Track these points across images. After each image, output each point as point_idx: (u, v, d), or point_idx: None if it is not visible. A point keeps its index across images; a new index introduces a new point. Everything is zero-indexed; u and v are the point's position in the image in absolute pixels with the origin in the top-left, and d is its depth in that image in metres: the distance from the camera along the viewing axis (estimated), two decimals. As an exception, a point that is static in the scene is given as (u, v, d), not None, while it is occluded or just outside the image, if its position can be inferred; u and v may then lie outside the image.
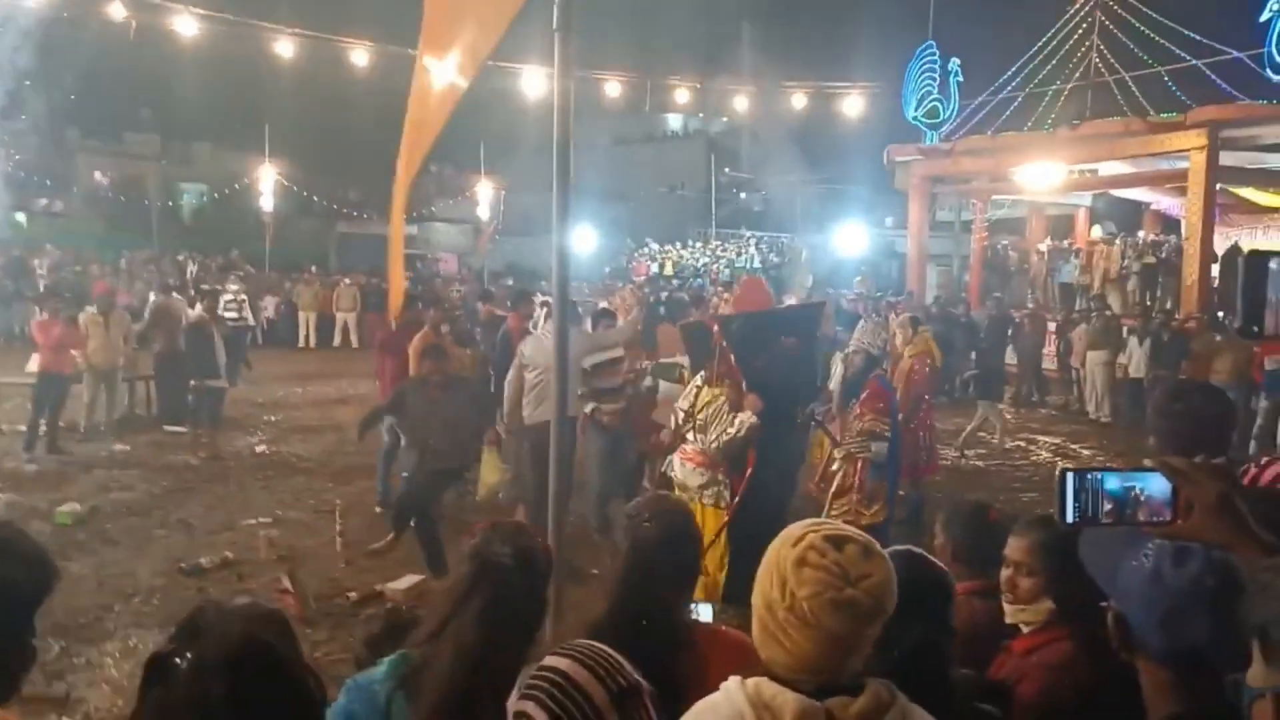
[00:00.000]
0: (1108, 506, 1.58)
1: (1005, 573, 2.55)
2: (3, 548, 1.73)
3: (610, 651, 1.62)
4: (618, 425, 8.48)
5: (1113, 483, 1.58)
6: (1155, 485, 1.56)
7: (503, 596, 2.04)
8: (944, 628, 2.19)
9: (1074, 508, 1.60)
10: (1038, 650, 2.39)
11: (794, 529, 1.78)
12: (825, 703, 1.65)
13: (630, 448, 8.57)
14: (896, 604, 1.72)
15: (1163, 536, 1.57)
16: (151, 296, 14.01)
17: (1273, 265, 1.16)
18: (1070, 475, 1.60)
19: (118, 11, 20.19)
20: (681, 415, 6.64)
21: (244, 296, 18.40)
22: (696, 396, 6.58)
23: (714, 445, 6.40)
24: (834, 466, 6.91)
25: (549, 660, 1.66)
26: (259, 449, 11.68)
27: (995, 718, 2.17)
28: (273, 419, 13.67)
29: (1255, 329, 1.16)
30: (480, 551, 2.15)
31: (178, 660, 1.47)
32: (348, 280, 25.83)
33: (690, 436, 6.58)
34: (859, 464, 6.68)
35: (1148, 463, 1.59)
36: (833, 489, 6.80)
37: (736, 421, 6.32)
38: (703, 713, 1.73)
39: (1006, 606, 2.54)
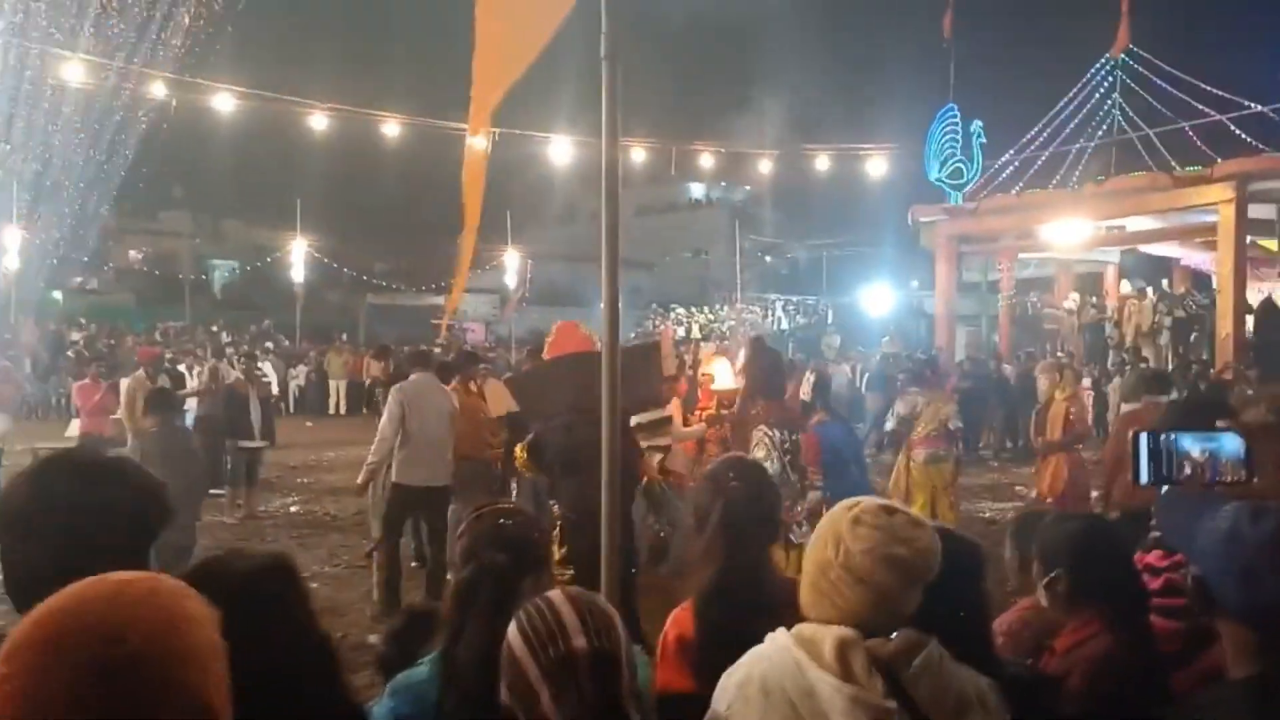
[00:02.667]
0: (1183, 467, 1.60)
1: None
2: (115, 474, 1.76)
3: (560, 612, 1.65)
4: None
5: (1187, 444, 1.61)
6: (1230, 445, 1.58)
7: (504, 594, 2.06)
8: (977, 593, 2.21)
9: (1149, 468, 1.62)
10: (1078, 646, 2.42)
11: (844, 503, 1.89)
12: (864, 642, 1.73)
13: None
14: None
15: (1239, 496, 1.59)
16: (192, 366, 14.30)
17: None
18: (1144, 436, 1.63)
19: (158, 91, 20.79)
20: None
21: (269, 373, 18.68)
22: None
23: None
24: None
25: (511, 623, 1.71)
26: (293, 509, 11.75)
27: (1028, 680, 2.18)
28: (306, 481, 13.76)
29: None
30: (473, 553, 2.18)
31: None
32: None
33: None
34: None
35: (1221, 424, 1.61)
36: None
37: None
38: (752, 657, 1.83)
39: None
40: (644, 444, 7.97)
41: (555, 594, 1.69)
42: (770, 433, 6.06)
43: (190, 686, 1.07)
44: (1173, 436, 1.62)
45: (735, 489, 2.62)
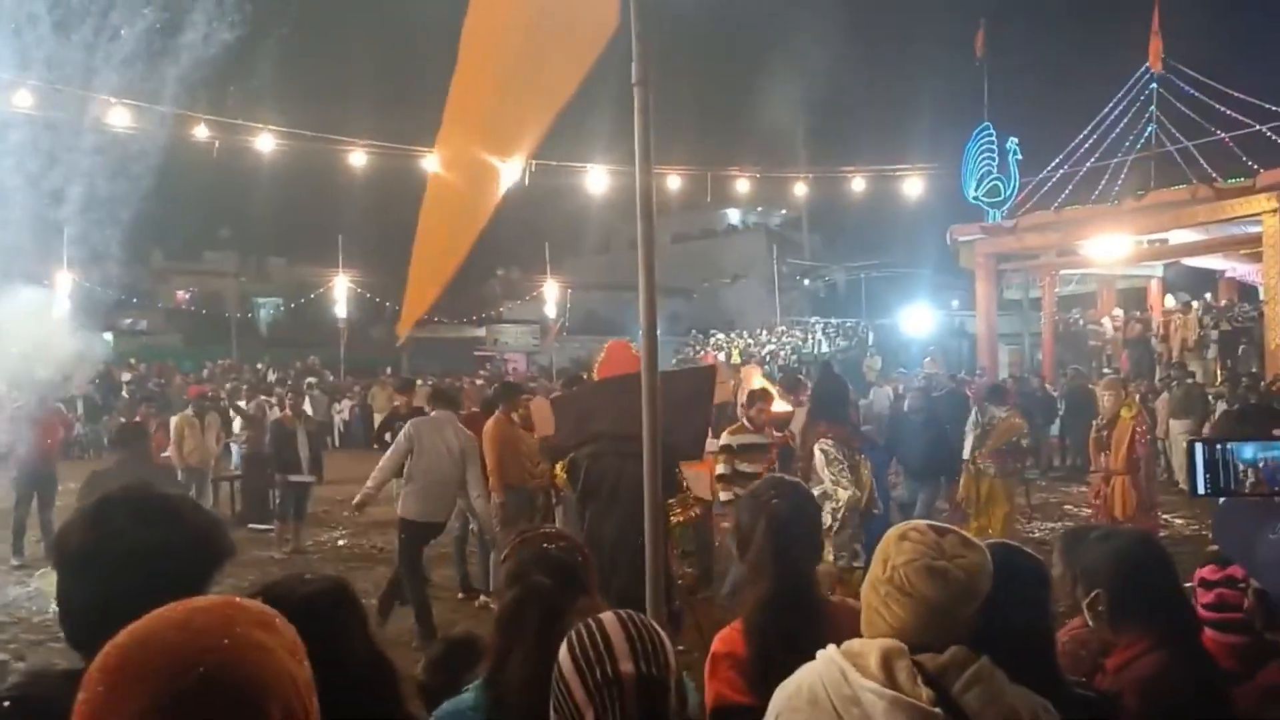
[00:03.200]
0: (1244, 478, 1.56)
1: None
2: (171, 514, 1.76)
3: (610, 635, 1.64)
4: None
5: (1248, 453, 1.57)
6: None
7: (550, 617, 2.04)
8: (1043, 613, 2.18)
9: (1205, 479, 1.58)
10: (1130, 665, 2.36)
11: (899, 525, 1.90)
12: (913, 656, 1.73)
13: None
14: (997, 591, 1.80)
15: None
16: (242, 402, 14.54)
17: None
18: (1200, 446, 1.59)
19: (201, 133, 21.22)
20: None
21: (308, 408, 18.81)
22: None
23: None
24: None
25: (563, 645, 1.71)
26: (341, 542, 11.83)
27: (1094, 699, 2.12)
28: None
29: None
30: (518, 576, 2.17)
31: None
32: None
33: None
34: None
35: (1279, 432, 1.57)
36: None
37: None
38: (803, 670, 1.85)
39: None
40: (731, 468, 7.82)
41: (608, 616, 1.68)
42: (828, 447, 6.12)
43: (262, 715, 1.07)
44: (1230, 446, 1.58)
45: (778, 505, 2.61)
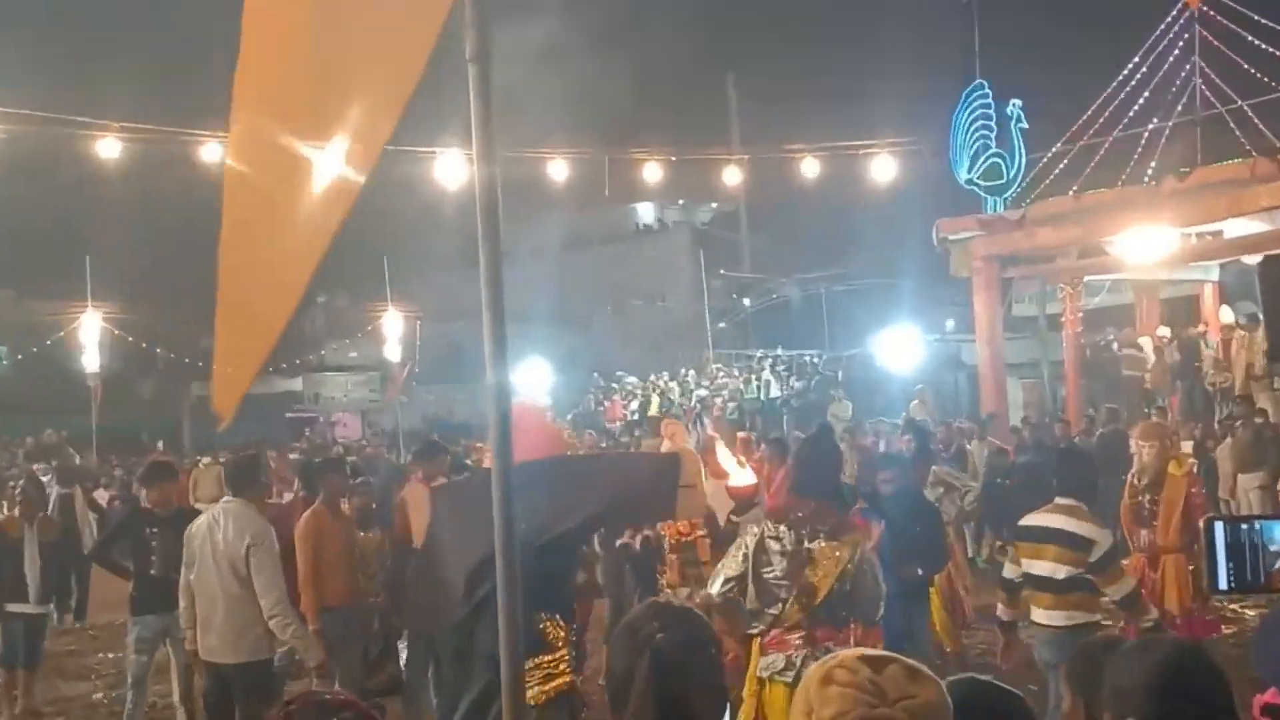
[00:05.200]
0: (1276, 566, 1.62)
1: None
2: None
3: None
4: None
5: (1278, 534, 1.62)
6: None
7: None
8: None
9: (1228, 570, 1.64)
10: None
11: (822, 660, 2.01)
12: None
13: None
14: None
15: None
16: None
17: None
18: (1220, 526, 1.64)
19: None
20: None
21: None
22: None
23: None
24: None
25: None
26: (95, 696, 11.50)
27: None
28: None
29: None
30: None
31: None
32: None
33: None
34: None
35: None
36: None
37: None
38: None
39: None
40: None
41: None
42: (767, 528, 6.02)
43: None
44: (1259, 525, 1.63)
45: (664, 639, 2.61)
